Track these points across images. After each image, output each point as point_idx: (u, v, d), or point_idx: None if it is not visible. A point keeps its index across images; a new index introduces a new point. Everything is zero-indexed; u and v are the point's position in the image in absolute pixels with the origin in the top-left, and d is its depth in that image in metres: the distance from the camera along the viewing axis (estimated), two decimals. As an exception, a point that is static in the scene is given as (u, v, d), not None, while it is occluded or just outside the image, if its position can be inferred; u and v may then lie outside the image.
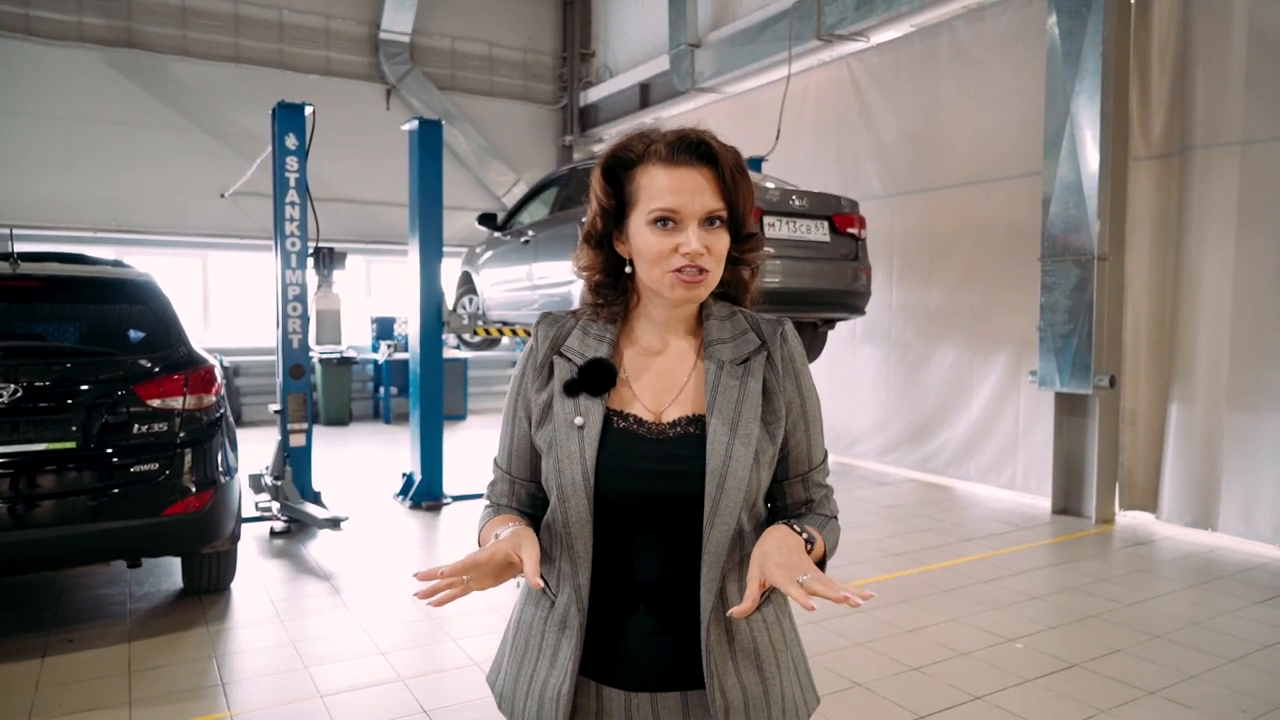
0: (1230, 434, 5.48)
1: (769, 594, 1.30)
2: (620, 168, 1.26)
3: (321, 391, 10.73)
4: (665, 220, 1.21)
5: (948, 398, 7.35)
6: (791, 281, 4.97)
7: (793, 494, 1.34)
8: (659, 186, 1.21)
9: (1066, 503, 6.27)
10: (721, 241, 1.23)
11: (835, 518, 1.36)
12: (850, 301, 5.36)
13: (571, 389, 1.27)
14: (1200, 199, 5.66)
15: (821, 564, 1.26)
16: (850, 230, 5.24)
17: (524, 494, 1.39)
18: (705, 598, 1.22)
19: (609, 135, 11.73)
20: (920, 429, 7.62)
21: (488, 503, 1.42)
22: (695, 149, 1.22)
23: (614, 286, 1.32)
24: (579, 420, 1.25)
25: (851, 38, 7.73)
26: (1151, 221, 5.96)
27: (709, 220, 1.22)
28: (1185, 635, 3.96)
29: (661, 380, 1.30)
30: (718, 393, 1.25)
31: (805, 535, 1.19)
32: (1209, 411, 5.63)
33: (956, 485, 7.27)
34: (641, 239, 1.23)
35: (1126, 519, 6.11)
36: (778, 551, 1.13)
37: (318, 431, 8.42)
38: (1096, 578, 4.83)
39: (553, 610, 1.29)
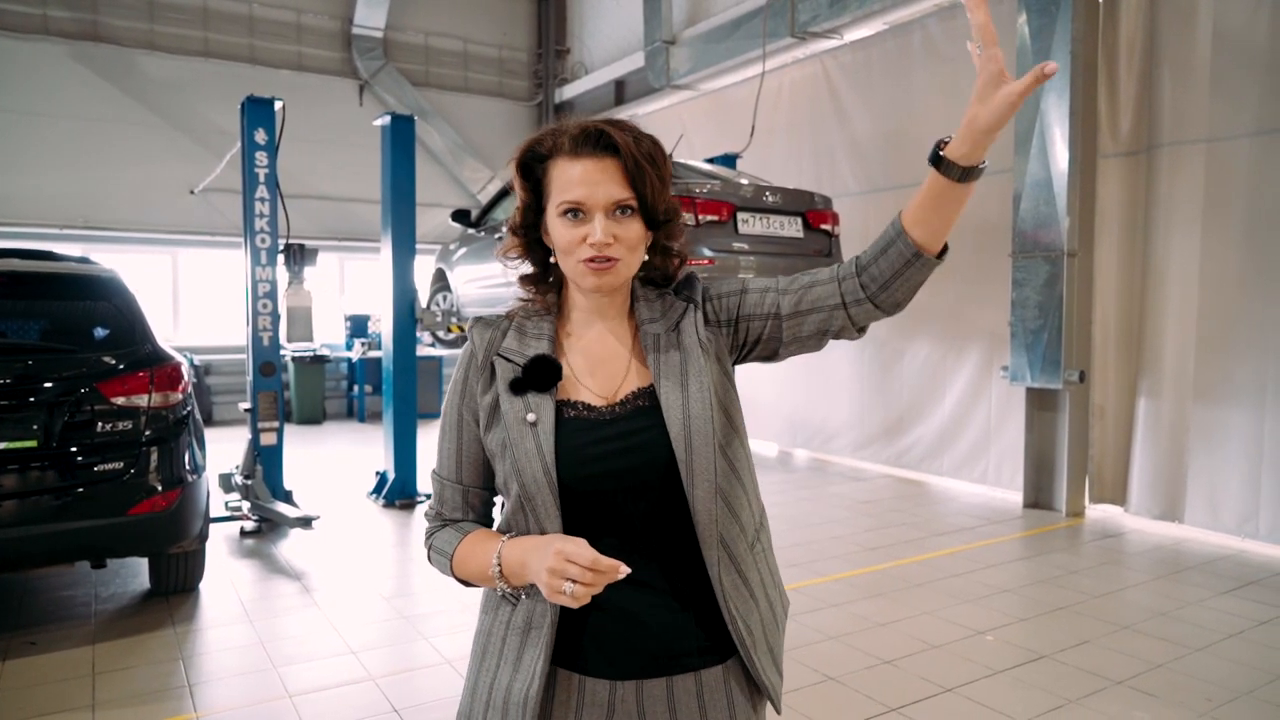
0: (1196, 427, 5.56)
1: (761, 526, 1.34)
2: (535, 162, 1.28)
3: (295, 390, 10.63)
4: (574, 211, 1.22)
5: (921, 394, 7.40)
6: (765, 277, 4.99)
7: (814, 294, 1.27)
8: (566, 179, 1.23)
9: (1037, 497, 6.34)
10: (631, 230, 1.23)
11: None
12: (824, 298, 5.38)
13: (517, 387, 1.26)
14: (1167, 195, 5.74)
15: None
16: (824, 226, 5.26)
17: (477, 502, 1.36)
18: (709, 555, 1.22)
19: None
20: (894, 425, 7.67)
21: (439, 522, 1.36)
22: (597, 140, 1.23)
23: (543, 279, 1.35)
24: (531, 416, 1.23)
25: (825, 35, 7.76)
26: (1120, 218, 6.03)
27: (619, 209, 1.23)
28: (1152, 626, 4.02)
29: (605, 366, 1.30)
30: (660, 359, 1.26)
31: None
32: (1176, 405, 5.70)
33: (930, 480, 7.32)
34: (555, 231, 1.25)
35: (1096, 512, 6.18)
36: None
37: (291, 430, 8.35)
38: (1066, 570, 4.88)
39: (514, 614, 1.27)
